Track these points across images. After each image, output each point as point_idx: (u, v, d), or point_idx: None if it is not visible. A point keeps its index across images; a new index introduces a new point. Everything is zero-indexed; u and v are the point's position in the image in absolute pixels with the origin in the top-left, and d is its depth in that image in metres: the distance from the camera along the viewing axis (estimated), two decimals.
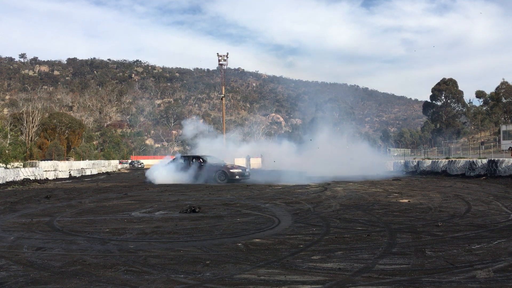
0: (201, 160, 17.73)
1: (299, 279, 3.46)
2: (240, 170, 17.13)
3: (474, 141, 56.03)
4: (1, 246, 4.87)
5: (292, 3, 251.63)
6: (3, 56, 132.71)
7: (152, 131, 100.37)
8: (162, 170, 17.88)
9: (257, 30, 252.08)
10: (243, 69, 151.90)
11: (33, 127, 47.82)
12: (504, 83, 62.02)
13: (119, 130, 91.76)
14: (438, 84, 65.38)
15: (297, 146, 40.80)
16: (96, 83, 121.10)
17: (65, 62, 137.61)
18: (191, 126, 50.21)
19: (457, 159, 21.11)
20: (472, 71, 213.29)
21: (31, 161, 23.55)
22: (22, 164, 19.94)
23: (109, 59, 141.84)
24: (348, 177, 19.52)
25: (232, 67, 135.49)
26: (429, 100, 67.79)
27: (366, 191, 11.71)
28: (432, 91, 66.14)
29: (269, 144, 50.91)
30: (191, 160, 17.89)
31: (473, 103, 69.59)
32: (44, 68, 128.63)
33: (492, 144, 48.80)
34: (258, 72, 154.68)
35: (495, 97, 62.37)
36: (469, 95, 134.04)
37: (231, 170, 16.73)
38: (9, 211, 8.12)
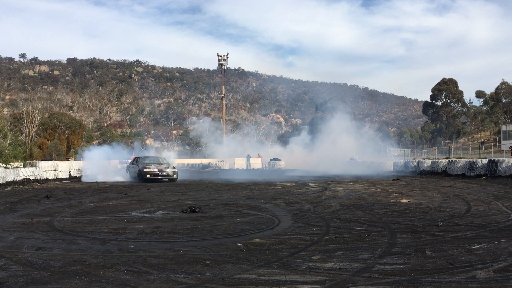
0: (136, 160, 19.14)
1: (299, 279, 3.46)
2: (155, 171, 17.74)
3: (474, 141, 56.02)
4: (1, 246, 4.87)
5: (292, 3, 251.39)
6: (3, 56, 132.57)
7: (152, 131, 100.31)
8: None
9: (257, 30, 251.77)
10: (243, 69, 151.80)
11: (33, 127, 47.77)
12: (504, 83, 62.00)
13: (119, 130, 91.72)
14: (438, 84, 65.37)
15: (303, 146, 41.07)
16: (96, 83, 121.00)
17: (65, 62, 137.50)
18: (205, 124, 50.76)
19: (457, 159, 21.10)
20: (472, 71, 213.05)
21: (31, 161, 23.54)
22: (22, 164, 19.93)
23: (109, 59, 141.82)
24: (344, 176, 19.54)
25: (232, 67, 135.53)
26: (429, 100, 67.78)
27: (366, 191, 11.71)
28: (432, 91, 66.13)
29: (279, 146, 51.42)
30: (134, 161, 19.48)
31: (473, 103, 69.61)
32: (44, 68, 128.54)
33: (492, 144, 48.79)
34: (258, 72, 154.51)
35: (495, 97, 62.35)
36: (469, 95, 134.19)
37: (144, 170, 17.70)
38: (9, 211, 8.12)
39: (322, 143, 38.72)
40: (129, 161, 23.70)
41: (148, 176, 17.49)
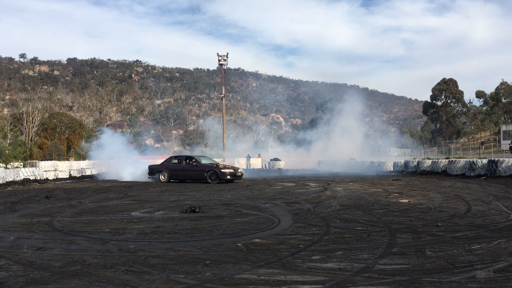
0: (193, 160, 18.08)
1: (299, 279, 3.46)
2: (231, 171, 17.40)
3: (474, 141, 56.03)
4: (1, 246, 4.87)
5: (292, 3, 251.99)
6: (3, 56, 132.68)
7: (152, 131, 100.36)
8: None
9: (257, 30, 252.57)
10: (243, 69, 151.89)
11: (33, 127, 47.71)
12: (503, 83, 62.02)
13: (119, 130, 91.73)
14: (438, 84, 65.39)
15: (306, 147, 41.18)
16: (96, 83, 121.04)
17: (65, 62, 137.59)
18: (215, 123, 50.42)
19: (457, 159, 21.09)
20: (472, 71, 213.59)
21: (31, 161, 23.51)
22: (22, 164, 19.90)
23: (109, 59, 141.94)
24: (344, 176, 19.55)
25: (232, 67, 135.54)
26: (429, 100, 67.80)
27: (366, 191, 11.70)
28: (432, 91, 66.17)
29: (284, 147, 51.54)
30: (184, 160, 18.23)
31: (473, 103, 69.65)
32: (44, 68, 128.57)
33: (492, 144, 48.81)
34: (258, 72, 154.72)
35: (495, 97, 62.36)
36: (469, 95, 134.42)
37: (222, 170, 17.06)
38: (9, 211, 8.12)
39: (322, 143, 38.75)
40: (129, 161, 23.22)
41: (228, 177, 17.05)
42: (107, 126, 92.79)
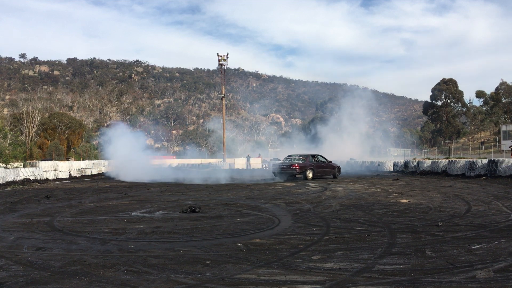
0: (325, 159, 20.29)
1: (299, 279, 3.46)
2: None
3: (474, 141, 56.03)
4: (1, 246, 4.87)
5: (292, 3, 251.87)
6: (3, 56, 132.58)
7: (152, 131, 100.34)
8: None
9: (257, 30, 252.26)
10: (243, 69, 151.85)
11: (33, 127, 47.73)
12: (503, 83, 62.01)
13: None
14: (438, 84, 65.37)
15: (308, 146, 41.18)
16: (96, 83, 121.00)
17: (65, 62, 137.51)
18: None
19: (457, 159, 21.09)
20: (472, 71, 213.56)
21: (31, 161, 23.52)
22: (22, 164, 19.91)
23: (109, 59, 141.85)
24: (344, 176, 19.60)
25: (232, 67, 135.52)
26: (429, 100, 67.78)
27: (366, 191, 11.70)
28: (432, 91, 66.14)
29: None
30: (314, 159, 19.85)
31: (473, 103, 69.64)
32: (44, 68, 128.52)
33: (492, 144, 48.78)
34: (258, 72, 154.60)
35: (495, 97, 62.34)
36: (469, 95, 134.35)
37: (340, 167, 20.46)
38: (9, 211, 8.12)
39: (323, 142, 38.77)
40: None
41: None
42: (107, 126, 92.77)
